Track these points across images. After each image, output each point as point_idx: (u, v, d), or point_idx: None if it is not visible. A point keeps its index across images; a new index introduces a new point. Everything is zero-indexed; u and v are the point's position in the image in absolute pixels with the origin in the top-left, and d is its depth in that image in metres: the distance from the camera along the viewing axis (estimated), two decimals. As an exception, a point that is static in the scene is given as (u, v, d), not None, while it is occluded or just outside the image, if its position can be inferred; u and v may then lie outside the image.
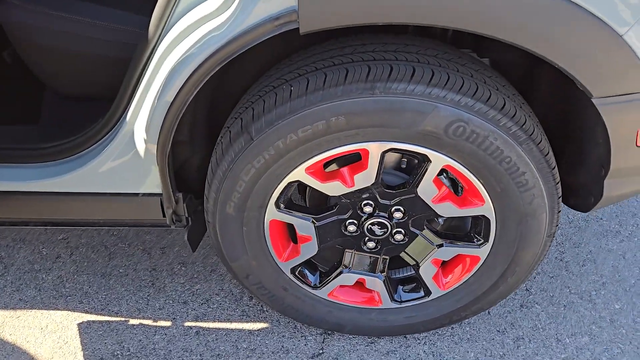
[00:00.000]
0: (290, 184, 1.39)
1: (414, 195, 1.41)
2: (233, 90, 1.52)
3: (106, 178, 1.52)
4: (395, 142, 1.28)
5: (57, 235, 2.14)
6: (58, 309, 1.88)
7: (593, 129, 1.29)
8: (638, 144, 1.26)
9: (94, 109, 1.65)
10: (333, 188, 1.40)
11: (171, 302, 1.88)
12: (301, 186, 1.54)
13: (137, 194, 1.54)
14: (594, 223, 2.09)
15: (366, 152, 1.32)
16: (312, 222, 1.48)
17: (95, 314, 1.86)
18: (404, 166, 1.42)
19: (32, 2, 1.58)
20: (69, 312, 1.87)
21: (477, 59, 1.38)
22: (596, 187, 1.40)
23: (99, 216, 1.61)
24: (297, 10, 1.10)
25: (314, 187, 1.39)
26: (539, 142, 1.29)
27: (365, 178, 1.37)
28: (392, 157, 1.46)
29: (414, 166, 1.41)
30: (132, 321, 1.83)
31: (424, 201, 1.41)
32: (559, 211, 1.41)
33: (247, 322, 1.81)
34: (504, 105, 1.24)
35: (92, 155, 1.51)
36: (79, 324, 1.83)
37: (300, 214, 1.46)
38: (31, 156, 1.55)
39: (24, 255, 2.06)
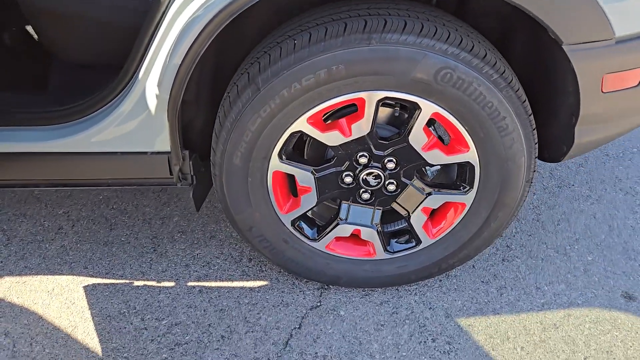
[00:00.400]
0: (292, 134, 1.51)
1: (405, 144, 1.54)
2: (234, 58, 1.64)
3: (116, 138, 1.61)
4: (389, 90, 1.42)
5: (58, 209, 2.21)
6: (63, 274, 1.94)
7: (564, 78, 1.45)
8: (603, 90, 1.42)
9: (103, 77, 1.75)
10: (332, 138, 1.52)
11: (173, 265, 1.97)
12: (301, 143, 1.66)
13: (145, 153, 1.63)
14: (566, 189, 2.26)
15: (362, 101, 1.45)
16: (312, 173, 1.60)
17: (100, 278, 1.93)
18: (396, 114, 1.55)
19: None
20: (74, 276, 1.94)
21: (459, 20, 1.53)
22: (567, 136, 1.55)
23: (108, 176, 1.69)
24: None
25: (315, 137, 1.52)
26: (517, 90, 1.45)
27: (361, 127, 1.50)
28: (384, 112, 1.60)
29: (404, 120, 1.55)
30: (137, 283, 1.91)
31: (414, 149, 1.55)
32: (536, 157, 1.56)
33: (248, 280, 1.91)
34: (486, 55, 1.40)
35: (103, 116, 1.60)
36: (84, 287, 1.90)
37: (301, 165, 1.58)
38: (42, 119, 1.63)
39: (26, 228, 2.12)
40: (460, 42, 1.37)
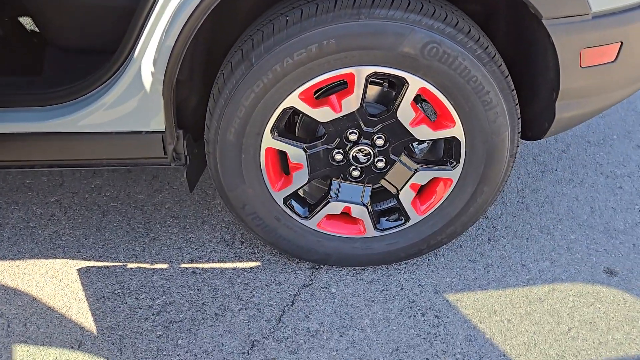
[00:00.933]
0: (284, 110, 1.56)
1: (394, 120, 1.59)
2: (229, 37, 1.69)
3: (111, 118, 1.64)
4: (377, 65, 1.47)
5: (50, 197, 2.22)
6: (57, 258, 1.96)
7: (544, 53, 1.52)
8: (582, 65, 1.49)
9: (98, 61, 1.78)
10: (323, 113, 1.57)
11: (166, 248, 2.00)
12: (291, 123, 1.71)
13: (140, 132, 1.67)
14: (549, 173, 2.33)
15: (352, 76, 1.50)
16: (304, 149, 1.64)
17: (94, 261, 1.95)
18: (385, 90, 1.60)
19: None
20: (68, 260, 1.95)
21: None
22: (548, 112, 1.62)
23: (103, 156, 1.72)
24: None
25: (306, 112, 1.57)
26: (500, 65, 1.51)
27: (351, 103, 1.55)
28: (374, 90, 1.65)
29: (393, 98, 1.60)
30: (130, 265, 1.94)
31: (402, 125, 1.60)
32: (519, 132, 1.62)
33: (240, 262, 1.94)
34: (470, 30, 1.46)
35: (98, 96, 1.63)
36: (78, 270, 1.91)
37: (293, 142, 1.63)
38: (38, 100, 1.66)
39: (18, 215, 2.13)
40: (445, 17, 1.44)
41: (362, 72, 1.49)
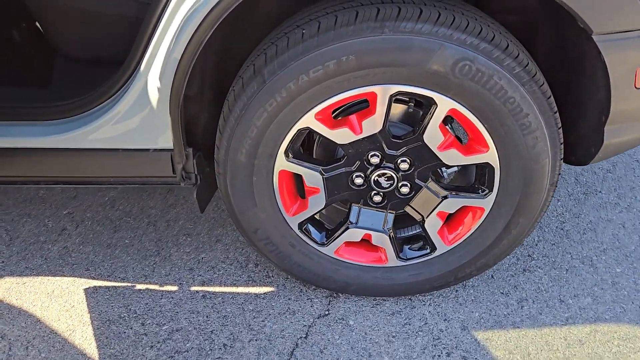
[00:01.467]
0: (300, 131, 1.43)
1: (420, 143, 1.45)
2: (241, 51, 1.57)
3: (118, 134, 1.55)
4: (402, 84, 1.33)
5: (62, 210, 2.15)
6: (64, 276, 1.88)
7: (593, 72, 1.35)
8: (637, 86, 1.31)
9: (105, 72, 1.69)
10: (341, 135, 1.44)
11: (177, 269, 1.90)
12: (310, 141, 1.58)
13: (148, 150, 1.57)
14: (593, 196, 2.14)
15: (374, 96, 1.36)
16: (321, 173, 1.51)
17: (102, 280, 1.86)
18: (410, 110, 1.46)
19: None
20: (76, 278, 1.87)
21: (479, 10, 1.44)
22: (596, 136, 1.44)
23: (110, 174, 1.63)
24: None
25: (323, 134, 1.43)
26: (541, 85, 1.34)
27: (372, 124, 1.41)
28: (398, 109, 1.51)
29: (419, 118, 1.45)
30: (139, 286, 1.84)
31: (429, 149, 1.45)
32: (561, 158, 1.45)
33: (253, 286, 1.82)
34: (507, 46, 1.30)
35: (104, 111, 1.54)
36: (85, 289, 1.83)
37: (309, 164, 1.50)
38: (43, 114, 1.58)
39: (30, 229, 2.07)
40: (480, 31, 1.28)
41: (386, 92, 1.35)
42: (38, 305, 1.78)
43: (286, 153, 1.47)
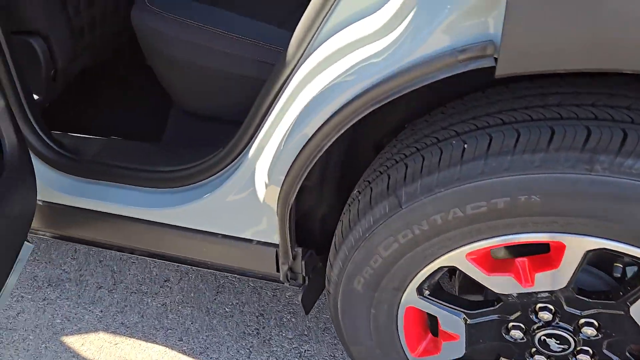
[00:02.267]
0: (441, 268, 1.03)
1: (622, 313, 0.97)
2: (376, 133, 1.20)
3: (220, 217, 1.31)
4: (610, 240, 0.87)
5: (169, 256, 1.98)
6: (157, 343, 1.70)
7: None
8: None
9: (221, 131, 1.44)
10: (501, 284, 1.01)
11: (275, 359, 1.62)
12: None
13: (250, 241, 1.30)
14: None
15: (561, 246, 0.92)
16: (464, 318, 1.10)
17: (193, 357, 1.65)
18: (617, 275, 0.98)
19: (170, 9, 1.41)
20: (167, 348, 1.68)
21: None
22: None
23: (207, 257, 1.40)
24: (495, 43, 0.74)
25: (476, 278, 1.02)
26: None
27: (552, 280, 0.97)
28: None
29: (626, 275, 0.98)
30: (229, 376, 1.60)
31: (635, 323, 0.97)
32: None
33: (359, 407, 1.48)
34: None
35: (210, 188, 1.30)
36: (172, 367, 1.63)
37: (448, 306, 1.10)
38: (150, 179, 1.38)
39: (134, 273, 1.93)
40: None
41: (581, 245, 0.89)
42: (123, 377, 1.61)
43: (419, 289, 1.08)
